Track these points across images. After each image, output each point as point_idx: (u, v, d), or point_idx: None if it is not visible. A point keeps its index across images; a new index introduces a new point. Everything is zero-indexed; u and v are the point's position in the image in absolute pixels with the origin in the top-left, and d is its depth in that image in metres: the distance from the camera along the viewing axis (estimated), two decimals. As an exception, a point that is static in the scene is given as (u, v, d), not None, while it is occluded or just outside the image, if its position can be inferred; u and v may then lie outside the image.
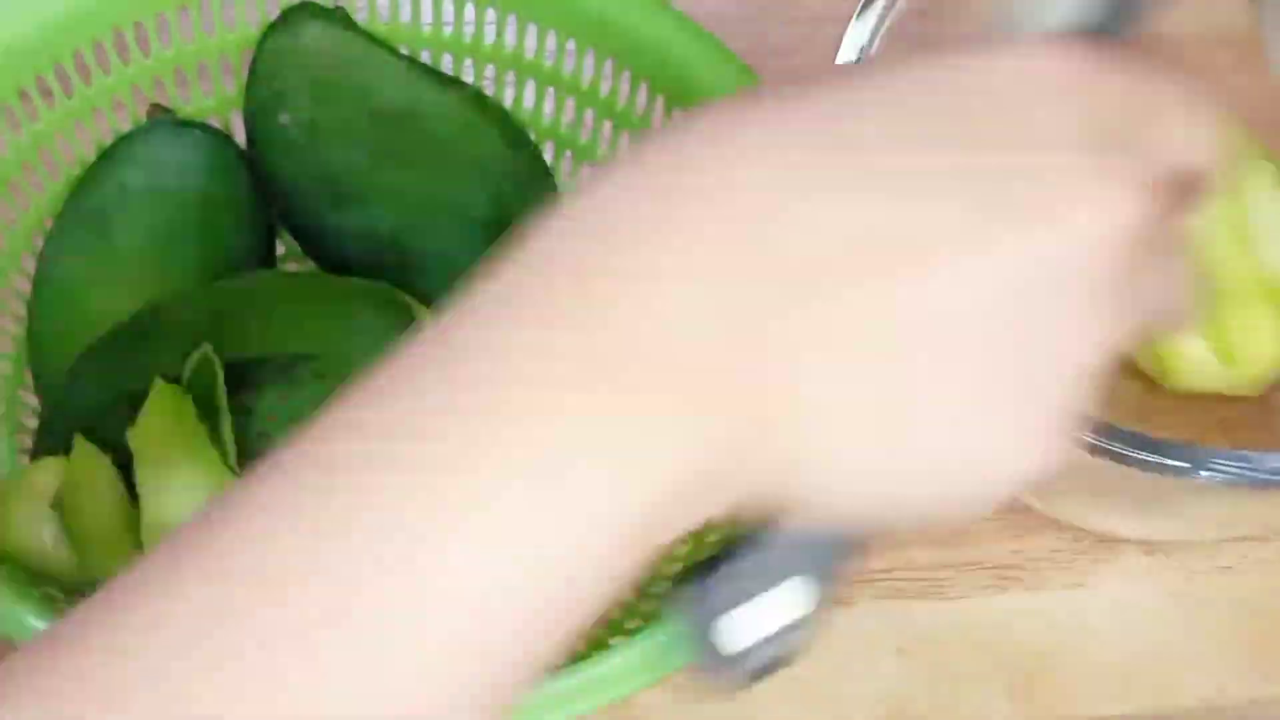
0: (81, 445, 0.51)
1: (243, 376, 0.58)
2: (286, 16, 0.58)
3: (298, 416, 0.50)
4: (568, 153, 0.60)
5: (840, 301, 0.32)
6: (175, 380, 0.51)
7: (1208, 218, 0.58)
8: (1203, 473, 0.48)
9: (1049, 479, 0.34)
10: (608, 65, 0.57)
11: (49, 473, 0.51)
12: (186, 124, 0.58)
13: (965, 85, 0.33)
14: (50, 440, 0.53)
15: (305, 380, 0.59)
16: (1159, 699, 0.56)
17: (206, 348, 0.50)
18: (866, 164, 0.32)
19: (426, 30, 0.59)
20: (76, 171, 0.57)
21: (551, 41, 0.58)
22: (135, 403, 0.50)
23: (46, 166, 0.57)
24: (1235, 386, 0.59)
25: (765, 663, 0.38)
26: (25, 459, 0.54)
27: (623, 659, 0.46)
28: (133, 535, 0.49)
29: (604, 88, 0.58)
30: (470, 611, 0.31)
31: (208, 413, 0.50)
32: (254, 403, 0.58)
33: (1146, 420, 0.50)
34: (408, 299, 0.52)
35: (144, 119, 0.58)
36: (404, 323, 0.51)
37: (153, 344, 0.52)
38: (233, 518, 0.31)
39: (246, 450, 0.56)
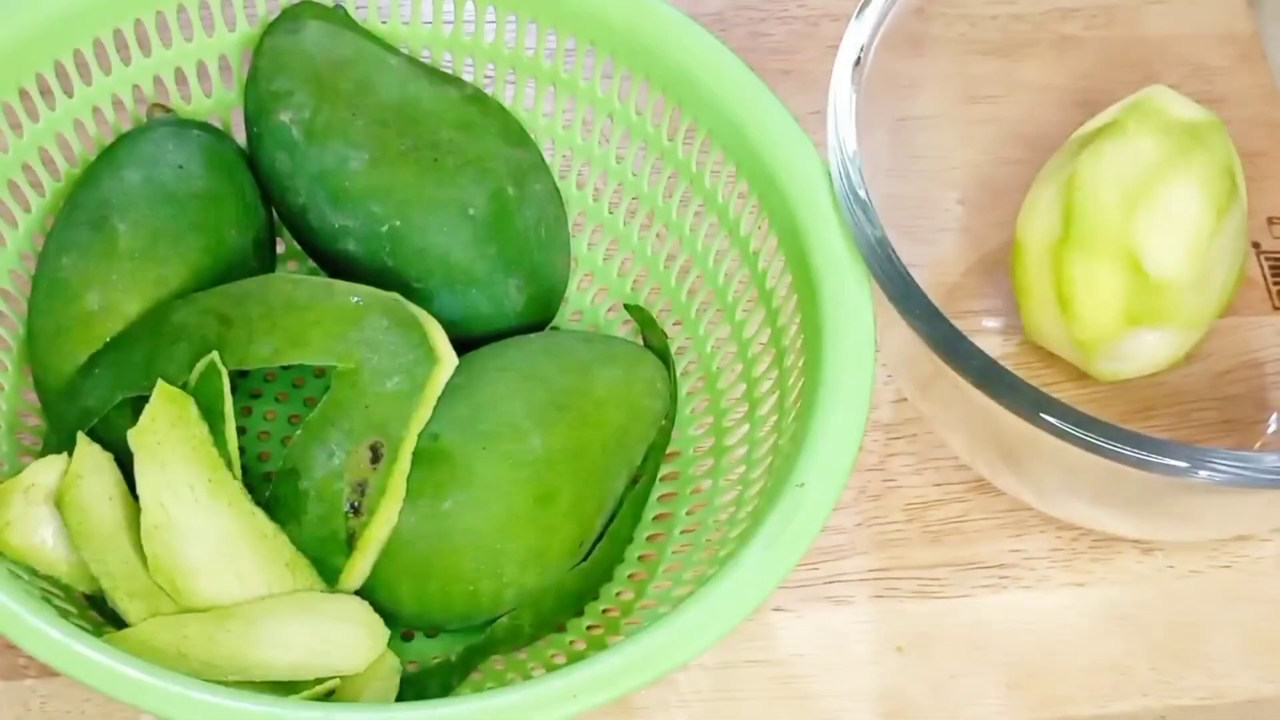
0: (83, 444, 0.51)
1: (248, 383, 0.58)
2: (286, 16, 0.58)
3: (302, 424, 0.51)
4: (567, 152, 0.60)
5: None
6: (181, 387, 0.51)
7: (1120, 159, 0.57)
8: (1202, 473, 0.48)
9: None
10: (607, 64, 0.57)
11: (49, 472, 0.51)
12: (186, 124, 0.58)
13: None
14: (52, 440, 0.53)
15: (311, 389, 0.59)
16: (1158, 699, 0.56)
17: (213, 356, 0.50)
18: None
19: (426, 29, 0.59)
20: (76, 171, 0.57)
21: (551, 40, 0.58)
22: (139, 407, 0.50)
23: (46, 166, 0.57)
24: (1077, 343, 0.58)
25: None
26: (25, 459, 0.54)
27: (623, 659, 0.46)
28: (133, 535, 0.49)
29: (603, 87, 0.58)
30: None
31: (211, 417, 0.50)
32: (258, 408, 0.58)
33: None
34: (415, 309, 0.52)
35: (144, 118, 0.58)
36: (411, 334, 0.51)
37: (160, 349, 0.52)
38: None
39: (249, 455, 0.56)
